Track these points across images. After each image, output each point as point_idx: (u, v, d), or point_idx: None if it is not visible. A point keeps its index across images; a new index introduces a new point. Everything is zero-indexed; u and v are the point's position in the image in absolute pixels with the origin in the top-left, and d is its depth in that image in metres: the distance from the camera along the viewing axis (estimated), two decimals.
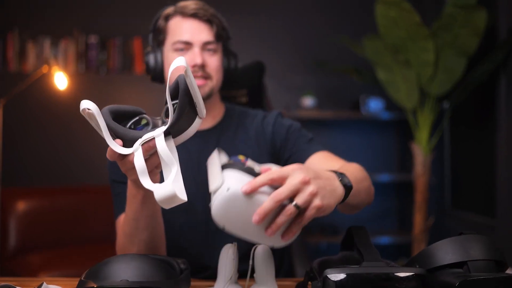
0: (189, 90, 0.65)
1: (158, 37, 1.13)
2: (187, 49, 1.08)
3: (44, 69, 2.53)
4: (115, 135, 0.68)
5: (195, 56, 1.07)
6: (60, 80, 2.50)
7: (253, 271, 0.78)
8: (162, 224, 0.93)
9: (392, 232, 3.15)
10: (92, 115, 0.66)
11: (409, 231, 2.82)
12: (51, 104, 3.07)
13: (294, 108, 3.09)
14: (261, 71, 1.46)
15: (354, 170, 0.91)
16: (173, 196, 0.62)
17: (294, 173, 0.68)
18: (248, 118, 1.19)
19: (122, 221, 0.96)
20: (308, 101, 3.10)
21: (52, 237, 2.70)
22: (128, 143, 0.67)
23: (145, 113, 0.72)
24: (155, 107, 3.05)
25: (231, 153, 1.06)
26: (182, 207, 1.04)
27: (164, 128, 0.66)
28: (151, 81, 1.16)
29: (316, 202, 0.67)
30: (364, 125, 3.27)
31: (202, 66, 1.08)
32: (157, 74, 1.13)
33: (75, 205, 2.82)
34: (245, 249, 0.86)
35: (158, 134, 0.65)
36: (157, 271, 0.66)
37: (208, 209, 1.01)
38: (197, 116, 0.68)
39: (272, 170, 0.69)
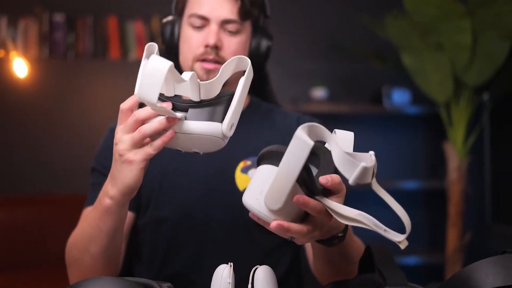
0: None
1: (178, 5, 1.16)
2: (204, 25, 1.10)
3: (0, 53, 2.56)
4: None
5: (209, 34, 1.08)
6: (19, 67, 2.52)
7: None
8: (119, 244, 0.96)
9: (421, 251, 3.13)
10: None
11: (442, 249, 2.82)
12: (7, 96, 3.05)
13: (303, 101, 3.07)
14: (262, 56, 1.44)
15: (358, 244, 1.02)
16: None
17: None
18: (278, 115, 1.22)
19: (86, 213, 1.06)
20: (319, 92, 3.10)
21: (8, 259, 2.69)
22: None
23: None
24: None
25: (251, 151, 1.10)
26: (177, 198, 1.13)
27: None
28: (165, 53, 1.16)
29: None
30: (386, 122, 3.26)
31: (215, 47, 1.08)
32: (171, 49, 1.15)
33: (35, 219, 2.80)
34: (242, 272, 0.87)
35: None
36: None
37: (209, 208, 1.12)
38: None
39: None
